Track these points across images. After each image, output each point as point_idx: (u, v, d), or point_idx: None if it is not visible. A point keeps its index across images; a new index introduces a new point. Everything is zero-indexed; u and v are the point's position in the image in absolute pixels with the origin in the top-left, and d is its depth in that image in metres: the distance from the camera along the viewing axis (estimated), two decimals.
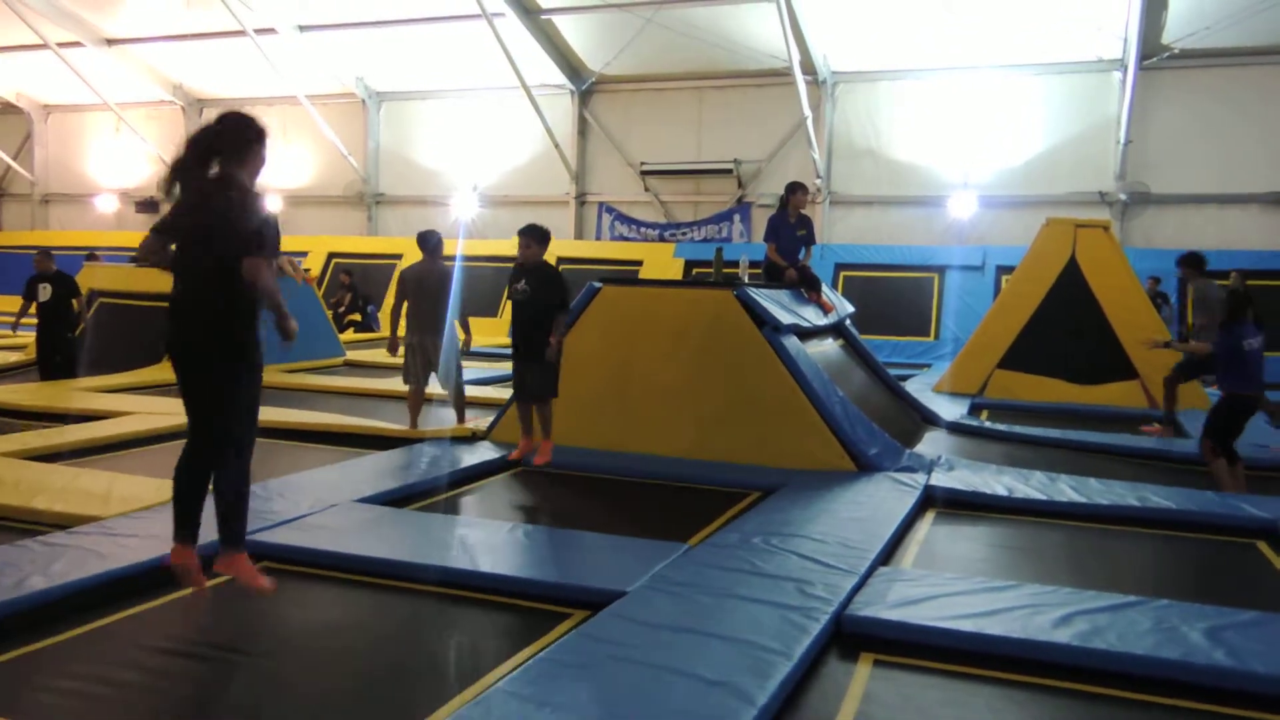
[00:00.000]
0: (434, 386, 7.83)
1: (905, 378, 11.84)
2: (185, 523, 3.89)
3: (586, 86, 19.13)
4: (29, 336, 11.79)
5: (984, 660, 3.63)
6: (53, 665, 3.45)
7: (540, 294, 6.21)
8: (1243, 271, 13.86)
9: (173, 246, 3.87)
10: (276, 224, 3.84)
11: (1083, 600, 4.08)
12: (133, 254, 15.01)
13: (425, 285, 7.51)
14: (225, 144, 3.85)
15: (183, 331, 3.84)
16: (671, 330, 7.17)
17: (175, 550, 3.90)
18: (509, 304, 6.51)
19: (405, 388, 7.86)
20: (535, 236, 6.31)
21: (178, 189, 3.85)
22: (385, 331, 17.99)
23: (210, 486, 3.92)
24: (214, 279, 3.74)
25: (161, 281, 5.27)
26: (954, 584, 4.29)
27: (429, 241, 7.66)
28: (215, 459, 3.89)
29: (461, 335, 7.53)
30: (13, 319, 11.53)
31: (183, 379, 3.90)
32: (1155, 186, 16.00)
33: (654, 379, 7.11)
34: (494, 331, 15.71)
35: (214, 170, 3.85)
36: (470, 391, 8.38)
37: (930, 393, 10.90)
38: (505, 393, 8.63)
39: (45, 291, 10.01)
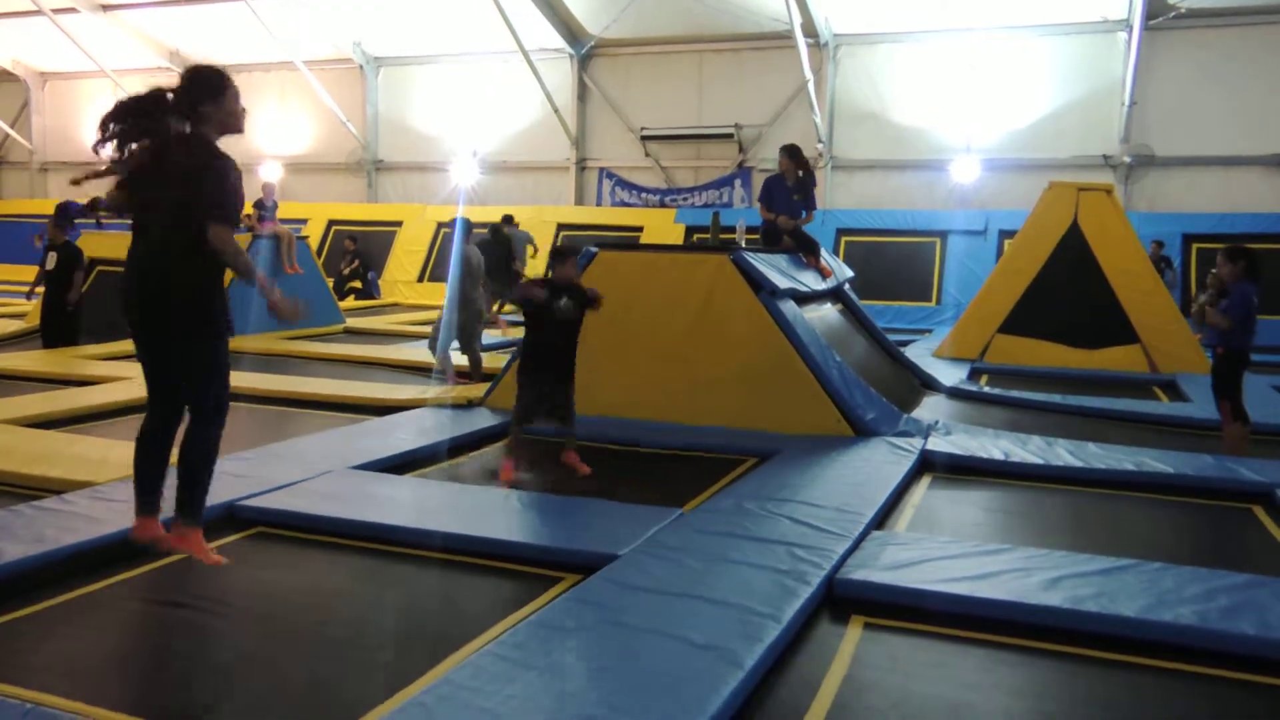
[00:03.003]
0: (427, 355, 8.07)
1: (907, 343, 11.81)
2: (151, 494, 3.88)
3: (586, 50, 18.92)
4: (33, 304, 11.92)
5: (975, 623, 3.63)
6: (45, 630, 3.46)
7: (580, 310, 5.81)
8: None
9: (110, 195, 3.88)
10: (240, 183, 3.80)
11: (1075, 563, 4.07)
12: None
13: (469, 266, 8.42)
14: (197, 98, 3.82)
15: (153, 303, 3.77)
16: (667, 295, 7.12)
17: (141, 524, 3.87)
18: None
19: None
20: (576, 255, 5.96)
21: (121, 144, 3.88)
22: (385, 299, 18.06)
23: (180, 457, 3.89)
24: (182, 244, 3.69)
25: None
26: (947, 547, 4.29)
27: (468, 227, 8.57)
28: (210, 427, 3.88)
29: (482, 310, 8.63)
30: (14, 287, 11.57)
31: (161, 350, 3.84)
32: (1160, 149, 15.83)
33: (650, 345, 7.08)
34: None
35: (183, 127, 3.81)
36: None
37: (931, 358, 10.87)
38: (500, 361, 8.64)
39: (51, 260, 10.14)
